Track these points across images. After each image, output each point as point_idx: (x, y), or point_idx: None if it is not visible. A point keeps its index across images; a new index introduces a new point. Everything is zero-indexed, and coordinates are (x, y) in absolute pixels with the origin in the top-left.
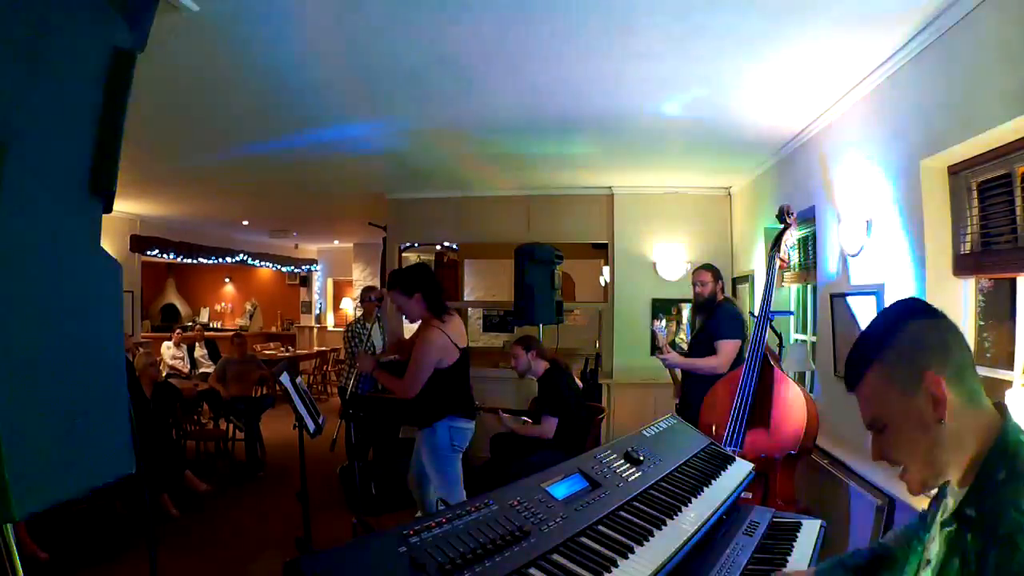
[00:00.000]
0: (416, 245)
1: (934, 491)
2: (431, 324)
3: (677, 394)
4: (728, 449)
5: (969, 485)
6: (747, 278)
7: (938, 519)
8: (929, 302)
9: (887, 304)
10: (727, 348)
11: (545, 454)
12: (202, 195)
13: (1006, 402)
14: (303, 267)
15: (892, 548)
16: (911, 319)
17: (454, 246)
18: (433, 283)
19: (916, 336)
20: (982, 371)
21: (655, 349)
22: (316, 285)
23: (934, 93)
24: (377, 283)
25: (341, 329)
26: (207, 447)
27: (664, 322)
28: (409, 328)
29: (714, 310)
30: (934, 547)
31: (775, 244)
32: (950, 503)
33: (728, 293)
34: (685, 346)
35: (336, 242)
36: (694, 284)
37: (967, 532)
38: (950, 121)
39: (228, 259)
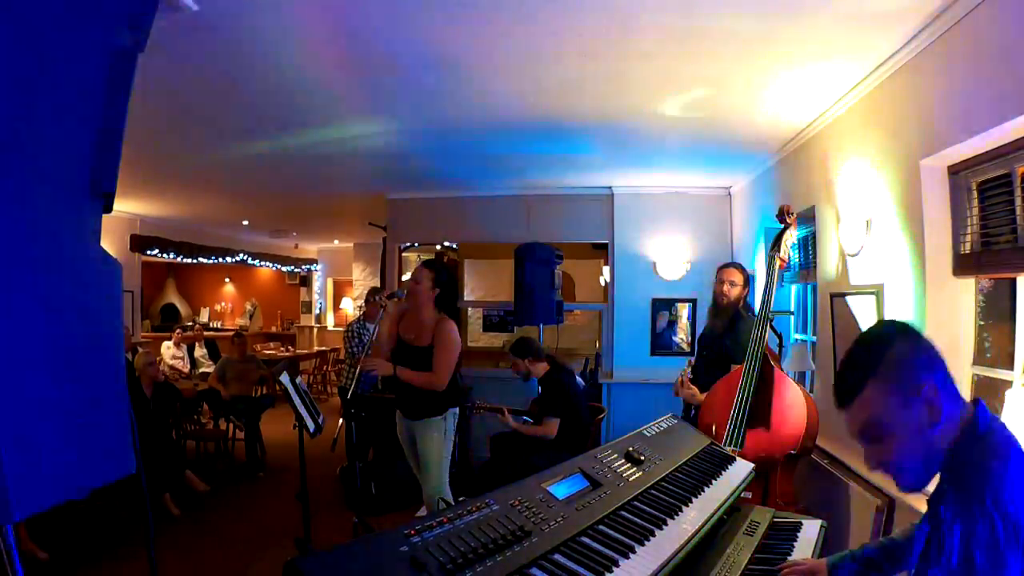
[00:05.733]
0: (416, 245)
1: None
2: (446, 318)
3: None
4: (728, 449)
5: (946, 467)
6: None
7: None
8: (904, 322)
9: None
10: None
11: (546, 454)
12: (202, 195)
13: (1005, 401)
14: (303, 267)
15: (900, 541)
16: (896, 339)
17: (454, 246)
18: (452, 287)
19: (905, 353)
20: (982, 371)
21: (681, 384)
22: (316, 285)
23: (934, 93)
24: (378, 283)
25: (341, 329)
26: (207, 447)
27: (690, 369)
28: None
29: (736, 323)
30: (927, 527)
31: (775, 244)
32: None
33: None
34: (685, 346)
35: (336, 242)
36: (721, 282)
37: (942, 505)
38: (950, 121)
39: (228, 259)
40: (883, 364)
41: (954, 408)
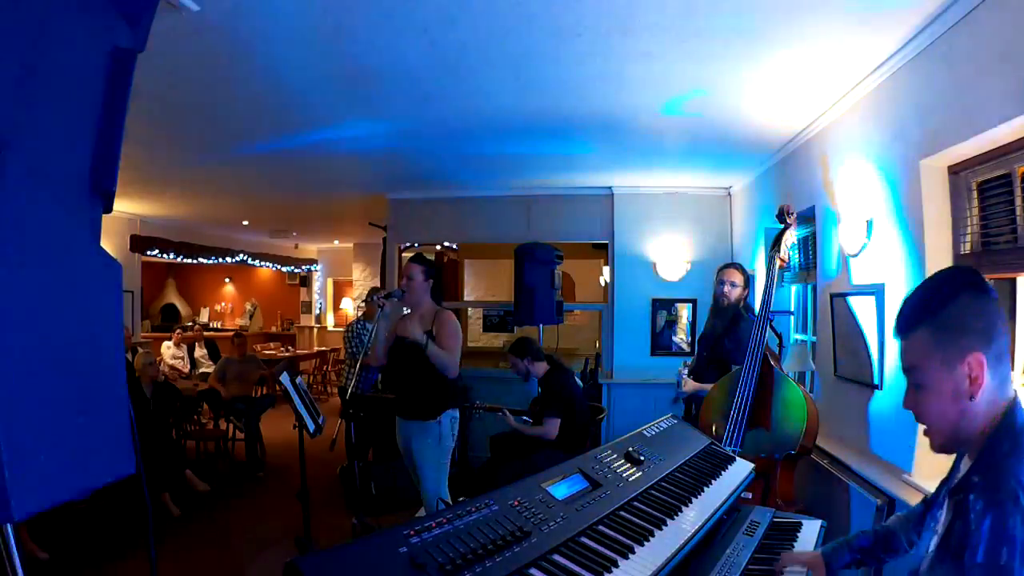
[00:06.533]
0: (416, 245)
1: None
2: (443, 309)
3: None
4: (728, 449)
5: (976, 457)
6: None
7: (949, 490)
8: (984, 280)
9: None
10: None
11: (546, 454)
12: (202, 195)
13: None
14: (303, 267)
15: (895, 529)
16: (966, 291)
17: (454, 246)
18: (439, 278)
19: (967, 311)
20: None
21: (677, 386)
22: (316, 285)
23: (934, 93)
24: (378, 283)
25: (341, 329)
26: (207, 447)
27: (686, 368)
28: None
29: (736, 324)
30: (942, 516)
31: (775, 244)
32: (960, 475)
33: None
34: (685, 346)
35: (336, 242)
36: (721, 283)
37: (971, 495)
38: (950, 121)
39: (228, 259)
40: (940, 315)
41: (998, 391)
